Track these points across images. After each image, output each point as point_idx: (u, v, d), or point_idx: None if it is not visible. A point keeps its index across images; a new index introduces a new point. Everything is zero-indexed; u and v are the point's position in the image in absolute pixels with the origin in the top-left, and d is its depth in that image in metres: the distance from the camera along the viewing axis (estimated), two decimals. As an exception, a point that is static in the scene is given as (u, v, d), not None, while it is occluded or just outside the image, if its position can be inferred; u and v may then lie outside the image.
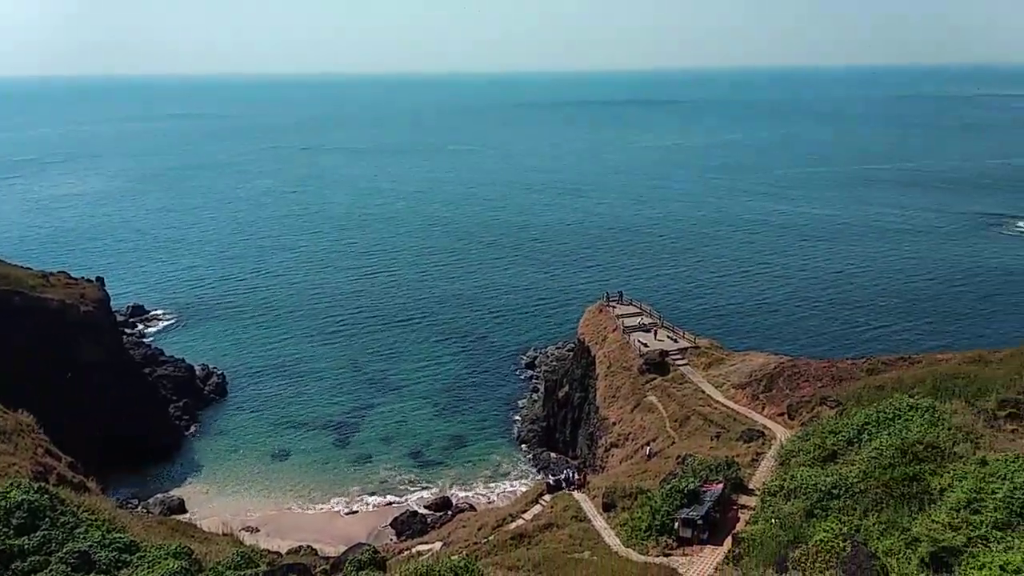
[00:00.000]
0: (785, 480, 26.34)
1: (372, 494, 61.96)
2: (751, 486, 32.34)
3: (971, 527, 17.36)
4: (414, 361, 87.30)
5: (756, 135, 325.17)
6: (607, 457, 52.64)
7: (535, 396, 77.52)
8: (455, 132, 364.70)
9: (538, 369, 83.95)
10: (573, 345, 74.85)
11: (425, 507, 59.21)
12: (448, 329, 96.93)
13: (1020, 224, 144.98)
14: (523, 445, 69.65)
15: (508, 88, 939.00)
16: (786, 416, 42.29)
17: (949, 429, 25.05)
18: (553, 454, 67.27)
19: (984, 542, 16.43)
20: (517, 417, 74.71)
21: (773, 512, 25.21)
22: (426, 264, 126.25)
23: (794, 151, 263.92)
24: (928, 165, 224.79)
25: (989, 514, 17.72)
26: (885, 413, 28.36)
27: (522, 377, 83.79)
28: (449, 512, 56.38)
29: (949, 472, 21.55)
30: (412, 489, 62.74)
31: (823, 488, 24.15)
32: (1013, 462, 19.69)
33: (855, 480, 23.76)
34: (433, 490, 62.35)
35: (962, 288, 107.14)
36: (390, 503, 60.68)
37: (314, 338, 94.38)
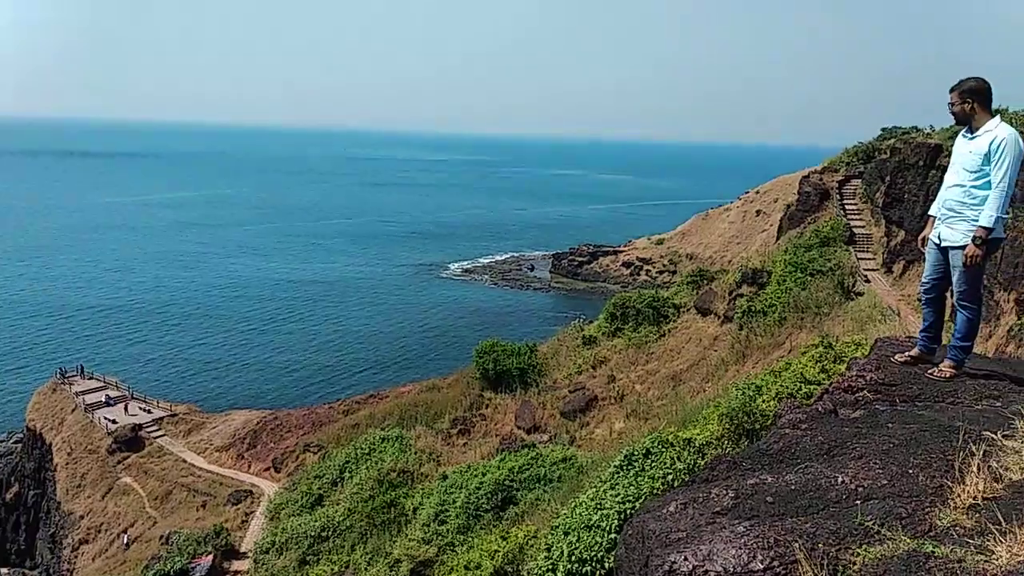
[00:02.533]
0: (276, 535, 26.32)
1: None
2: (243, 549, 31.44)
3: (440, 537, 19.66)
4: None
5: (226, 191, 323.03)
6: (75, 557, 45.57)
7: (-29, 506, 63.14)
8: None
9: (-27, 472, 68.60)
10: (21, 436, 63.29)
11: None
12: None
13: (451, 267, 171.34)
14: (-42, 570, 56.03)
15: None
16: (272, 470, 42.34)
17: (416, 453, 28.09)
18: (5, 570, 55.53)
19: (451, 548, 18.76)
20: (-54, 537, 59.81)
21: (267, 570, 24.92)
22: None
23: (254, 206, 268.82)
24: (372, 220, 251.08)
25: (453, 522, 20.31)
26: (362, 448, 30.48)
27: (-51, 486, 67.42)
28: None
29: (419, 491, 24.14)
30: None
31: (313, 534, 24.78)
32: (466, 471, 22.93)
33: (342, 518, 24.94)
34: None
35: (415, 326, 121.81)
36: None
37: None
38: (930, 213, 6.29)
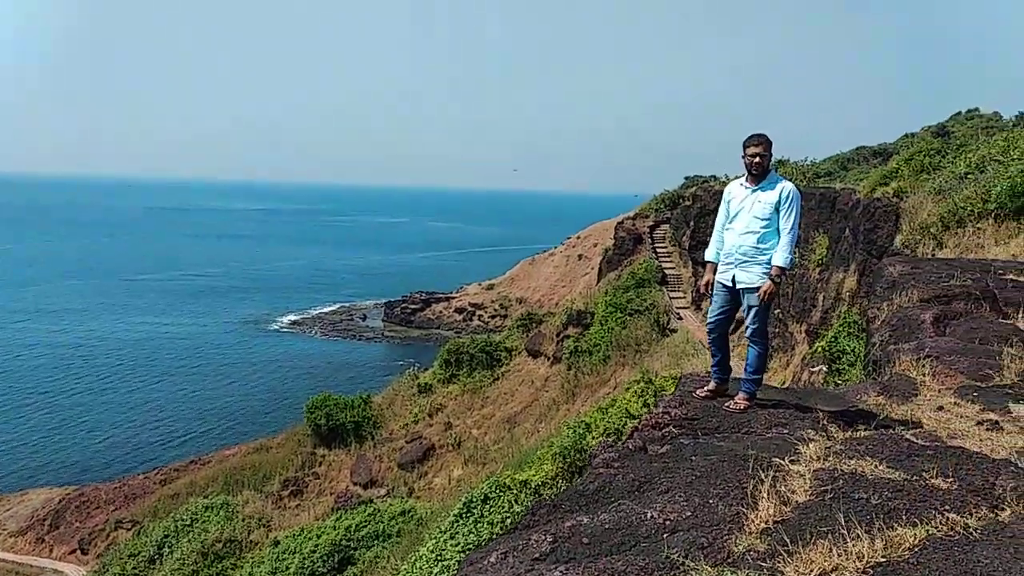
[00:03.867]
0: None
1: None
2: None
3: (270, 608, 18.61)
4: None
5: (8, 246, 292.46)
6: None
7: None
8: None
9: None
10: None
11: None
12: None
13: (279, 320, 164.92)
14: None
15: None
16: (79, 552, 38.33)
17: (244, 520, 26.50)
18: None
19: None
20: None
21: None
22: None
23: (50, 263, 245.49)
24: (189, 274, 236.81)
25: (282, 591, 19.32)
26: (183, 520, 28.37)
27: None
28: None
29: (248, 561, 22.75)
30: None
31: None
32: (299, 535, 21.92)
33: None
34: None
35: (242, 385, 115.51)
36: None
37: None
38: (709, 259, 6.89)
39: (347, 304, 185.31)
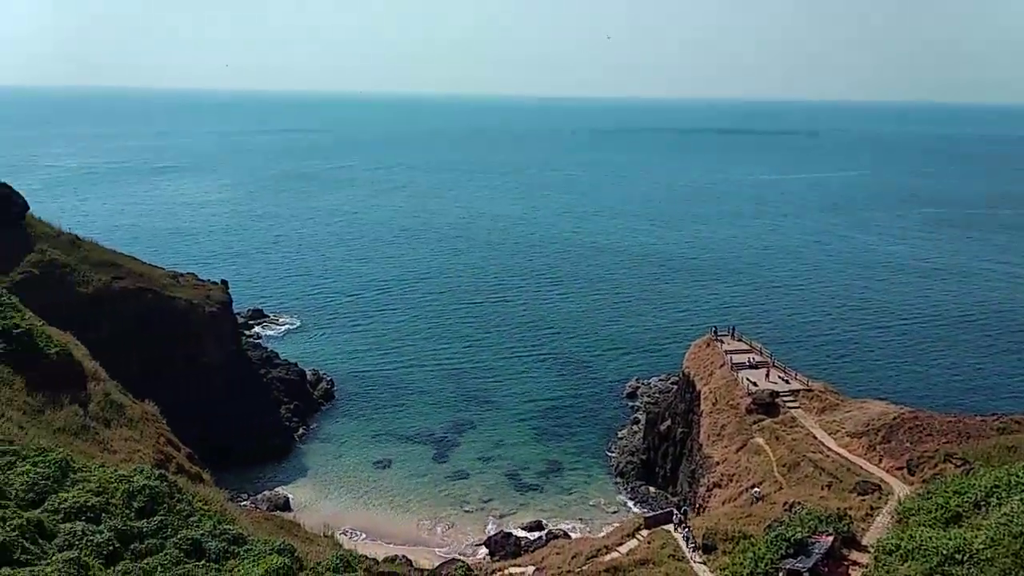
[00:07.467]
0: (903, 539, 24.72)
1: (468, 511, 62.32)
2: (864, 542, 30.48)
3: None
4: (516, 382, 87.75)
5: (850, 172, 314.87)
6: (708, 497, 50.94)
7: (635, 428, 76.08)
8: (553, 157, 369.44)
9: (639, 400, 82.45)
10: (677, 378, 73.10)
11: (519, 529, 58.93)
12: (551, 353, 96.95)
13: None
14: (620, 477, 68.35)
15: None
16: (905, 471, 39.71)
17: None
18: (652, 489, 65.67)
19: None
20: (615, 448, 73.54)
21: (888, 572, 23.71)
22: (534, 288, 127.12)
23: (895, 193, 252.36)
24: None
25: None
26: (1018, 477, 26.24)
27: (622, 407, 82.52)
28: (543, 537, 55.87)
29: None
30: (506, 510, 62.65)
31: (944, 552, 22.54)
32: None
33: (981, 546, 22.05)
34: (527, 514, 62.02)
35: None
36: (484, 522, 60.82)
37: (420, 352, 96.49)
38: None
39: None
